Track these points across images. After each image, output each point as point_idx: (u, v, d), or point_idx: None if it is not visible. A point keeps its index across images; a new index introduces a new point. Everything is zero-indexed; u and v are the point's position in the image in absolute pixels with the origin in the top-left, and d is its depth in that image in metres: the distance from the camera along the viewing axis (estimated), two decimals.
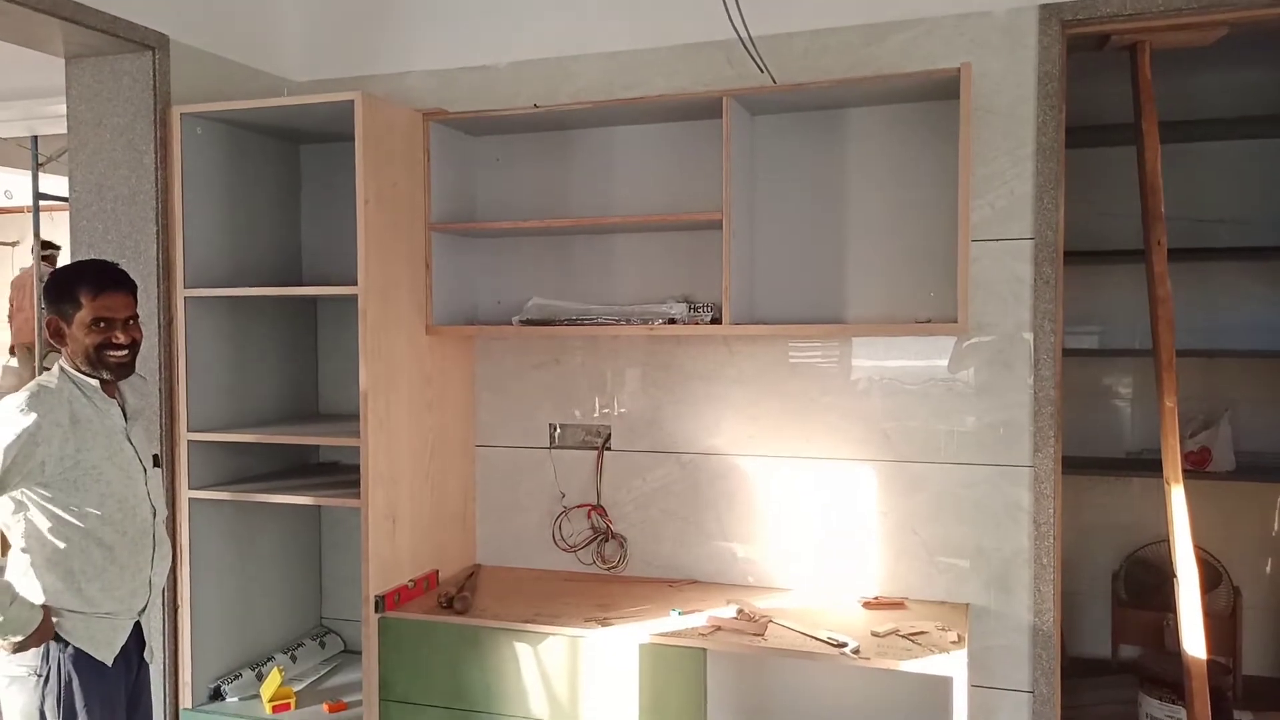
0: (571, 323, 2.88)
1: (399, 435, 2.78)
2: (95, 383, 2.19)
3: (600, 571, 3.07)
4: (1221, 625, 3.67)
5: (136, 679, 2.32)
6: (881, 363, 2.82)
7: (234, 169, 2.97)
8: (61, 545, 2.12)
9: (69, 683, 2.15)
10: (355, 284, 2.63)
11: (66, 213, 3.02)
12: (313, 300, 3.31)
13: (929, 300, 2.69)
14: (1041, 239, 2.64)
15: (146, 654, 2.35)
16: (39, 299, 3.46)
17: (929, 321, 2.64)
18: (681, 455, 3.01)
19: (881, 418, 2.82)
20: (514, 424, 3.18)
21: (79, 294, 2.15)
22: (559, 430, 3.14)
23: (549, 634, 2.54)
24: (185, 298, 2.76)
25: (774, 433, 2.92)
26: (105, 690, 2.20)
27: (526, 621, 2.58)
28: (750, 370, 2.93)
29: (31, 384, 2.17)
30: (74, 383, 2.18)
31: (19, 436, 2.02)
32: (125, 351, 2.20)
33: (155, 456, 2.37)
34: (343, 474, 3.10)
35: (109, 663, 2.20)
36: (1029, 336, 2.67)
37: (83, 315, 2.15)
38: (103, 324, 2.15)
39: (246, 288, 2.87)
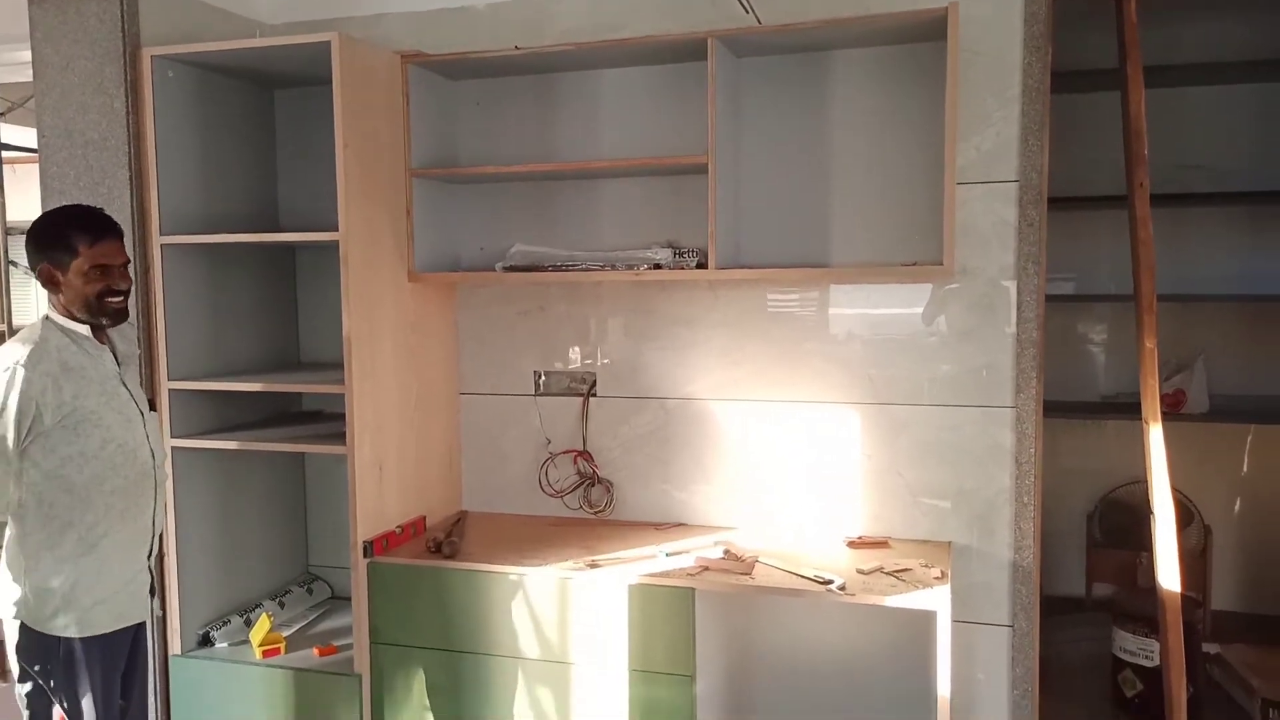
0: (556, 269, 2.87)
1: (383, 383, 2.76)
2: (86, 329, 2.16)
3: (587, 516, 3.10)
4: (1193, 562, 3.77)
5: (136, 633, 2.30)
6: (864, 310, 2.83)
7: (207, 114, 2.90)
8: (67, 497, 2.09)
9: (69, 657, 2.12)
10: (335, 231, 2.60)
11: (29, 166, 2.95)
12: (291, 249, 3.27)
13: (914, 244, 2.69)
14: (1026, 181, 2.65)
15: (155, 605, 2.34)
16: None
17: (914, 265, 2.65)
18: (667, 400, 3.02)
19: (865, 363, 2.84)
20: (498, 372, 3.18)
21: (75, 241, 2.11)
22: (544, 377, 3.14)
23: (538, 576, 2.56)
24: (162, 245, 2.72)
25: (759, 377, 2.93)
26: (108, 654, 2.19)
27: (515, 564, 2.59)
28: (735, 315, 2.94)
29: (17, 337, 2.14)
30: (63, 331, 2.14)
31: (7, 392, 2.00)
32: (122, 298, 2.19)
33: (150, 400, 2.36)
34: (326, 423, 3.09)
35: (110, 629, 2.18)
36: (1012, 279, 2.69)
37: (80, 263, 2.11)
38: (101, 271, 2.14)
39: (225, 234, 2.82)
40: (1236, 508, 4.24)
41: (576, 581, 2.53)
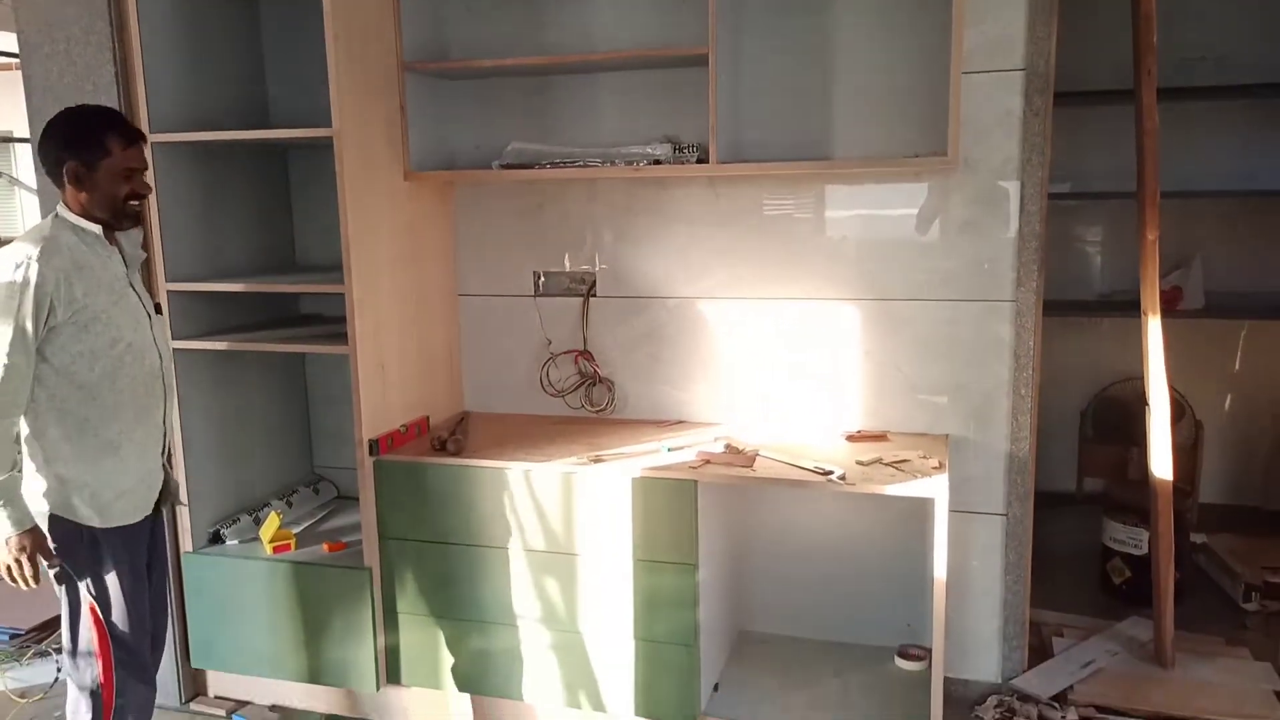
0: (553, 165, 2.82)
1: (382, 283, 2.75)
2: (98, 229, 2.16)
3: (589, 415, 3.13)
4: (1183, 456, 3.83)
5: (153, 528, 2.36)
6: (864, 207, 2.80)
7: (192, 9, 2.81)
8: (78, 394, 2.11)
9: (94, 545, 2.18)
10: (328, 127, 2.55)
11: (12, 75, 2.87)
12: (283, 152, 3.21)
13: (917, 137, 2.65)
14: (1033, 70, 2.60)
15: (163, 501, 2.36)
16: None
17: (917, 157, 2.61)
18: (668, 299, 3.02)
19: (866, 259, 2.83)
20: (496, 273, 3.16)
21: (109, 142, 2.11)
22: (543, 278, 3.13)
23: (543, 471, 2.60)
24: (152, 143, 2.66)
25: (759, 275, 2.92)
26: (130, 544, 2.24)
27: (520, 461, 2.63)
28: (735, 213, 2.91)
29: (24, 236, 2.13)
30: (74, 230, 2.14)
31: (23, 287, 2.00)
32: (141, 202, 2.21)
33: (156, 305, 2.36)
34: (325, 325, 3.08)
35: (130, 522, 2.24)
36: (1016, 171, 2.67)
37: (113, 163, 2.12)
38: (129, 174, 2.15)
39: (217, 131, 2.77)
40: (1227, 404, 4.31)
41: (581, 476, 2.57)
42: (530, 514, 2.62)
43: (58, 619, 3.49)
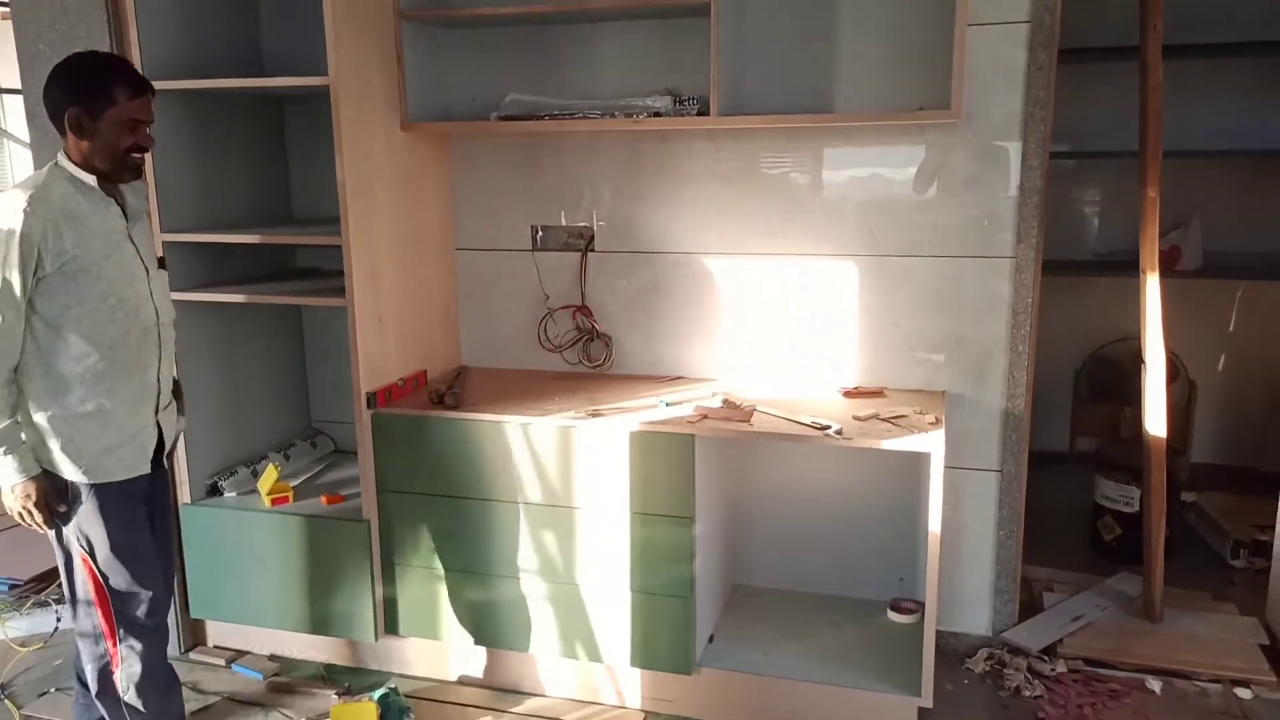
0: (552, 117, 2.80)
1: (379, 235, 2.73)
2: (93, 180, 2.10)
3: (586, 370, 3.13)
4: (1176, 416, 3.86)
5: (154, 482, 2.32)
6: (865, 163, 2.79)
7: None
8: (64, 347, 2.07)
9: (80, 505, 2.15)
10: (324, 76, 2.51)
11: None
12: (279, 104, 3.17)
13: (919, 90, 2.63)
14: (1038, 22, 2.58)
15: (160, 459, 2.32)
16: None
17: (920, 110, 2.59)
18: (667, 255, 3.01)
19: (866, 215, 2.82)
20: (494, 227, 3.14)
21: (115, 91, 2.05)
22: (540, 233, 3.11)
23: (540, 425, 2.60)
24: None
25: (758, 231, 2.91)
26: (122, 501, 2.20)
27: (518, 414, 2.63)
28: (736, 168, 2.89)
29: (18, 184, 2.08)
30: (69, 179, 2.08)
31: (8, 238, 1.96)
32: (143, 155, 2.16)
33: (160, 259, 2.30)
34: (322, 279, 3.07)
35: (122, 478, 2.20)
36: (1019, 126, 2.65)
37: (118, 113, 2.06)
38: (133, 126, 2.09)
39: (211, 79, 2.73)
40: (1221, 364, 4.33)
41: (579, 430, 2.58)
42: (528, 467, 2.63)
43: (57, 569, 3.53)
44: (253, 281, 2.99)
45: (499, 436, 2.64)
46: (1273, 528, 3.03)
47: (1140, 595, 3.09)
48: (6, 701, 2.84)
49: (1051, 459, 4.20)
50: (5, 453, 2.05)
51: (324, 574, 2.81)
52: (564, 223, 3.08)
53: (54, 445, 2.11)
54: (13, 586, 3.50)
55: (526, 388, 2.94)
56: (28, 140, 3.02)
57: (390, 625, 2.85)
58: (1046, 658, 2.87)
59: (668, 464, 2.53)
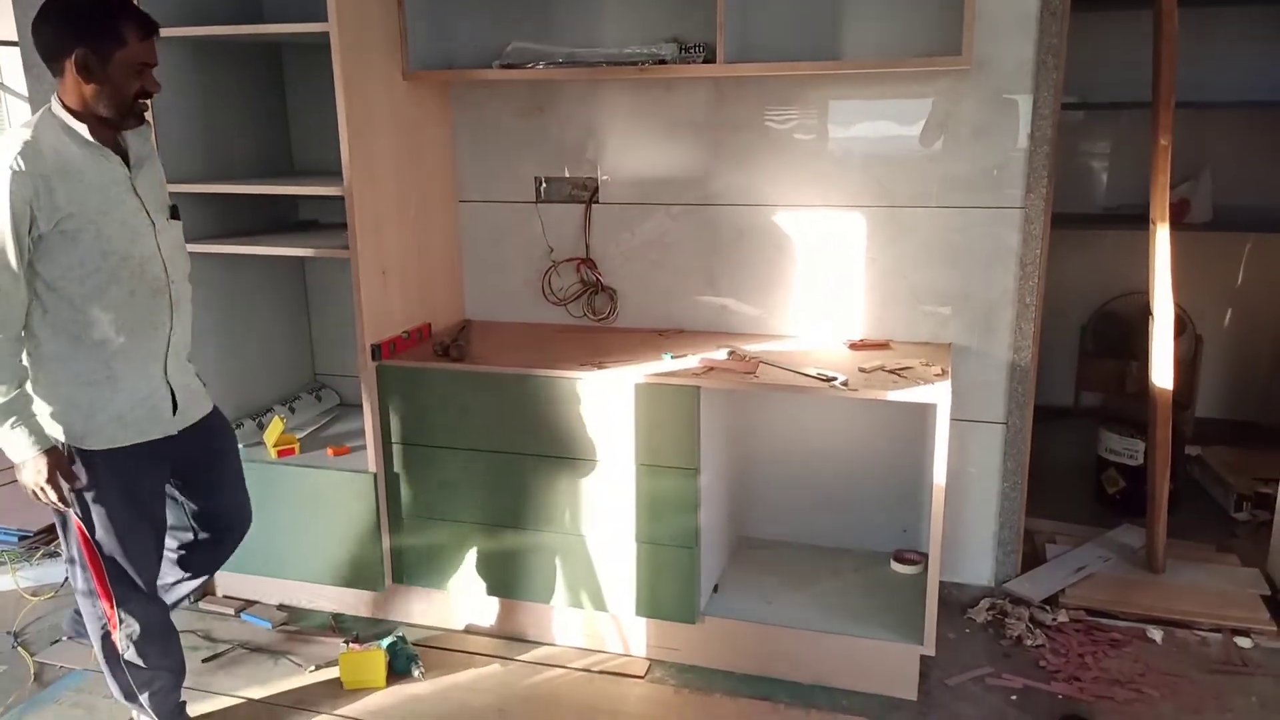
0: (555, 65, 2.76)
1: (382, 186, 2.71)
2: (84, 128, 1.96)
3: (591, 323, 3.12)
4: (1182, 370, 3.85)
5: (186, 441, 2.23)
6: (875, 114, 2.75)
7: None
8: (69, 310, 1.98)
9: (88, 469, 2.07)
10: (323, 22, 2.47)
11: None
12: (277, 53, 3.13)
13: (929, 38, 2.58)
14: None
15: (180, 418, 2.20)
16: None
17: (930, 57, 2.55)
18: (671, 206, 2.98)
19: (874, 164, 2.79)
20: (497, 178, 3.11)
21: (125, 32, 1.92)
22: (544, 184, 3.08)
23: (546, 377, 2.60)
24: None
25: (765, 181, 2.88)
26: (129, 468, 2.11)
27: (523, 367, 2.63)
28: (742, 117, 2.85)
29: (17, 130, 1.95)
30: (63, 129, 1.95)
31: (4, 191, 1.85)
32: (148, 101, 2.05)
33: (173, 208, 2.16)
34: (324, 232, 3.05)
35: (124, 444, 2.10)
36: (1030, 74, 2.61)
37: (127, 55, 1.93)
38: (141, 69, 1.96)
39: (209, 26, 2.69)
40: (1227, 319, 4.31)
41: (584, 382, 2.57)
42: (534, 419, 2.64)
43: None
44: (254, 234, 2.97)
45: (504, 389, 2.64)
46: (1276, 480, 3.04)
47: (1143, 547, 3.10)
48: (19, 649, 2.88)
49: (1056, 413, 4.20)
50: (15, 424, 1.95)
51: (331, 525, 2.83)
52: (568, 174, 3.05)
53: (58, 412, 2.03)
54: (23, 538, 3.53)
55: (531, 340, 2.94)
56: (25, 94, 2.99)
57: (397, 575, 2.87)
58: (1048, 608, 2.89)
59: (673, 416, 2.52)
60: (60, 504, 2.04)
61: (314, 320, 3.36)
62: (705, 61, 2.64)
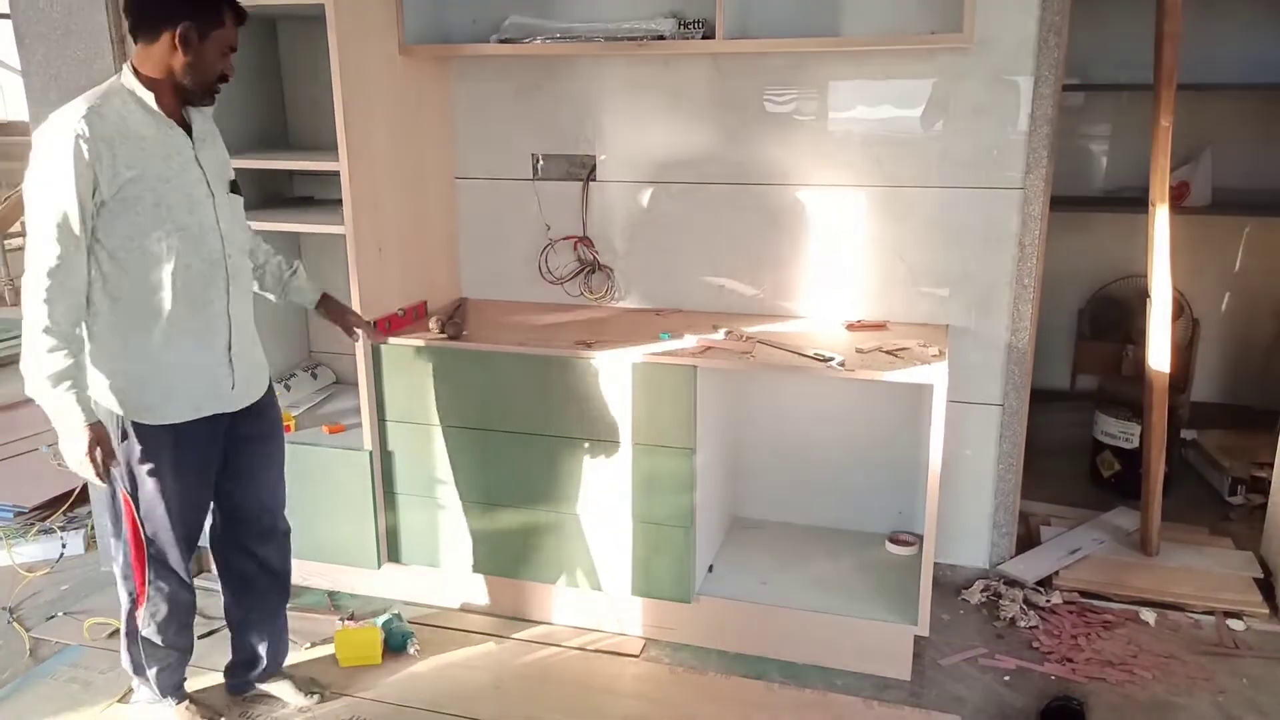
0: (553, 40, 2.73)
1: (378, 162, 2.69)
2: (152, 96, 1.97)
3: (588, 302, 3.10)
4: (1179, 354, 3.85)
5: (239, 423, 2.22)
6: (876, 91, 2.72)
7: None
8: (127, 279, 1.97)
9: (131, 444, 2.06)
10: None
11: None
12: (272, 24, 3.09)
13: (930, 14, 2.56)
14: None
15: (238, 396, 2.19)
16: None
17: (932, 34, 2.53)
18: (669, 185, 2.96)
19: (873, 143, 2.77)
20: (494, 154, 3.09)
21: (224, 14, 1.99)
22: (541, 161, 3.06)
23: (542, 356, 2.59)
24: None
25: (763, 159, 2.86)
26: (183, 444, 2.10)
27: (520, 346, 2.62)
28: (741, 95, 2.83)
29: (85, 95, 1.96)
30: (131, 97, 1.97)
31: (63, 162, 1.86)
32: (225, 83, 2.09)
33: (233, 183, 2.18)
34: (319, 208, 3.03)
35: (178, 420, 2.09)
36: (1032, 52, 2.59)
37: (222, 36, 2.00)
38: (229, 52, 2.03)
39: None
40: (1225, 303, 4.30)
41: (581, 361, 2.56)
42: (530, 398, 2.63)
43: (61, 497, 3.55)
44: (249, 209, 2.93)
45: (501, 367, 2.63)
46: (1270, 464, 3.04)
47: (1137, 530, 3.11)
48: (15, 624, 2.88)
49: (1053, 395, 4.20)
50: (66, 392, 1.91)
51: (326, 502, 2.83)
52: (565, 151, 3.03)
53: (115, 385, 2.02)
54: (18, 514, 3.52)
55: (528, 319, 2.93)
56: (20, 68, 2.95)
57: (393, 553, 2.87)
58: (1042, 589, 2.90)
59: (670, 395, 2.52)
60: (99, 479, 2.01)
61: None
62: (704, 38, 2.62)
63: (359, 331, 2.51)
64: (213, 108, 2.14)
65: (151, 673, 2.31)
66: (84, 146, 1.87)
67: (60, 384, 1.92)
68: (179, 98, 2.03)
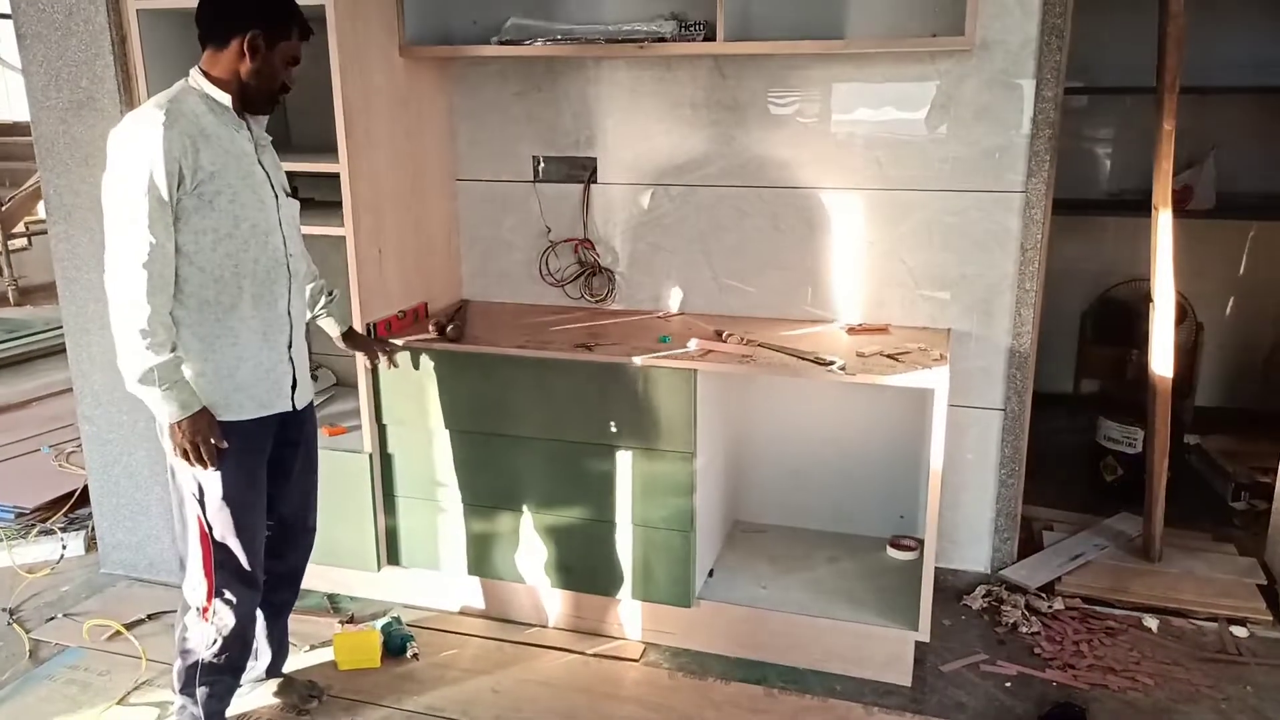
0: (554, 42, 2.72)
1: (378, 163, 2.68)
2: (227, 99, 2.03)
3: (588, 305, 3.10)
4: (1182, 357, 3.83)
5: (289, 424, 2.23)
6: (876, 94, 2.72)
7: None
8: (200, 275, 1.99)
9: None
10: None
11: None
12: None
13: (932, 17, 2.55)
14: None
15: (298, 396, 2.22)
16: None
17: (934, 37, 2.52)
18: (670, 187, 2.96)
19: (874, 145, 2.76)
20: (495, 157, 3.09)
21: (293, 26, 2.05)
22: (542, 163, 3.06)
23: (542, 358, 2.58)
24: (137, 10, 2.54)
25: (764, 162, 2.85)
26: (246, 440, 2.11)
27: (519, 348, 2.61)
28: (742, 98, 2.82)
29: (157, 98, 2.00)
30: (203, 98, 2.02)
31: (150, 154, 1.88)
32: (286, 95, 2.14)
33: (293, 188, 2.23)
34: (320, 210, 3.01)
35: (245, 418, 2.10)
36: (1033, 55, 2.58)
37: (289, 48, 2.06)
38: (292, 64, 2.08)
39: None
40: (1229, 307, 4.29)
41: (581, 364, 2.55)
42: (529, 401, 2.62)
43: (62, 498, 3.56)
44: None
45: (500, 370, 2.62)
46: (1274, 470, 3.02)
47: (1139, 535, 3.09)
48: (15, 626, 2.88)
49: (1055, 400, 4.18)
50: (167, 389, 1.94)
51: (327, 505, 2.79)
52: (566, 153, 3.02)
53: (186, 378, 2.01)
54: (19, 515, 3.52)
55: (528, 321, 2.92)
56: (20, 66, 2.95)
57: (392, 556, 2.87)
58: (1044, 595, 2.89)
59: (670, 399, 2.51)
60: (211, 466, 2.03)
61: None
62: (705, 39, 2.61)
63: (383, 359, 2.54)
64: (269, 116, 2.18)
65: (201, 692, 2.23)
66: (172, 139, 1.90)
67: (162, 383, 1.94)
68: (240, 103, 2.07)
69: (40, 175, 2.95)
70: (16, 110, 8.16)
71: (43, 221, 3.39)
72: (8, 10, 3.11)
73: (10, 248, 7.25)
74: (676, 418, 2.52)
